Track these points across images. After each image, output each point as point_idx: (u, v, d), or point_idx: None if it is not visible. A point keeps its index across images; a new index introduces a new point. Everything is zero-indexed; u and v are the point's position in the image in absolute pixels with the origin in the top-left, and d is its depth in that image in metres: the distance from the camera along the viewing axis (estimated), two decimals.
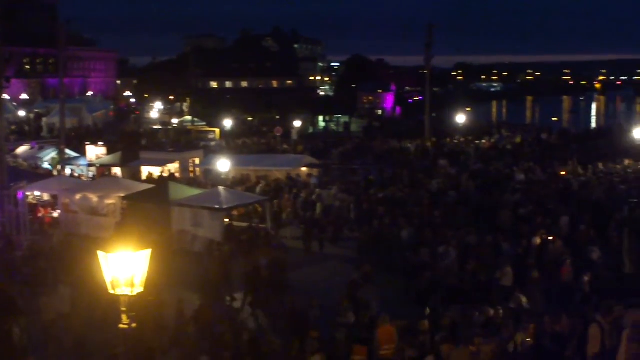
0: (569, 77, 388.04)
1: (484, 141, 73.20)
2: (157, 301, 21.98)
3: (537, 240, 28.18)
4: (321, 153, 63.82)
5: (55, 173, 51.45)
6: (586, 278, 24.16)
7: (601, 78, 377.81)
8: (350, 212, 38.34)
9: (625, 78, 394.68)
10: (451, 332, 19.10)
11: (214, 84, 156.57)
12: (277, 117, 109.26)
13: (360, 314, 21.32)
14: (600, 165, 52.05)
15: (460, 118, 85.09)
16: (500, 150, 65.41)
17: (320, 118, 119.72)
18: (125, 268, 11.71)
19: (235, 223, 35.67)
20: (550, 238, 28.40)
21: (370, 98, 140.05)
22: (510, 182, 44.08)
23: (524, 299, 22.26)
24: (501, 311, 20.25)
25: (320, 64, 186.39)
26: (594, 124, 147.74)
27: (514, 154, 61.21)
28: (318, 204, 39.19)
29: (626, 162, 55.41)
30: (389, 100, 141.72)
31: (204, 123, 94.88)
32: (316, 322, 21.04)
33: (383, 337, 18.54)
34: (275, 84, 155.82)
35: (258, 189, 42.41)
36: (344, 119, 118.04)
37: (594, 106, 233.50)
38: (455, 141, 73.09)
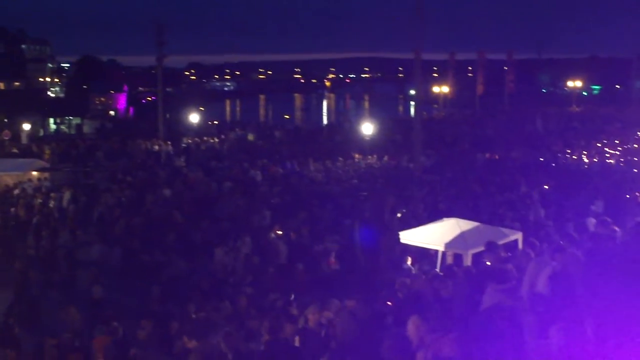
0: (300, 76, 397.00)
1: (217, 140, 73.74)
2: None
3: (273, 235, 28.65)
4: (61, 156, 62.24)
5: None
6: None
7: (331, 76, 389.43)
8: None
9: (354, 76, 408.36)
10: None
11: None
12: (5, 120, 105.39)
13: None
14: (335, 161, 53.83)
15: (194, 117, 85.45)
16: (234, 148, 66.00)
17: (52, 120, 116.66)
18: None
19: None
20: (281, 232, 29.03)
21: (103, 99, 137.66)
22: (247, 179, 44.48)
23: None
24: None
25: (50, 65, 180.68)
26: (325, 121, 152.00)
27: (247, 152, 61.87)
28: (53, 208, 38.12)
29: (356, 156, 57.61)
30: (121, 100, 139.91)
31: None
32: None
33: (98, 345, 18.19)
34: (1, 85, 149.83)
35: None
36: (75, 120, 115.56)
37: (324, 104, 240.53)
38: (190, 141, 72.95)
